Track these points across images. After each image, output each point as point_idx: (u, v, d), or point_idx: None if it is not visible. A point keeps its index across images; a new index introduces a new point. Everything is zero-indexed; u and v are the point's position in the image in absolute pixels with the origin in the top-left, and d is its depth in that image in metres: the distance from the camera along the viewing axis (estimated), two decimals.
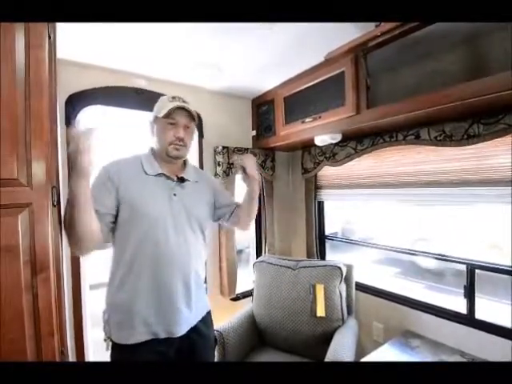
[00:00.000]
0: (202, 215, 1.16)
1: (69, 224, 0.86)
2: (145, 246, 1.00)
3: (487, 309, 1.54)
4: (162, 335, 1.01)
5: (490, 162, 1.37)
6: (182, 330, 1.05)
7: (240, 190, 2.17)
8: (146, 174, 1.06)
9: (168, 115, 1.04)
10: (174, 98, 1.07)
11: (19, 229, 0.80)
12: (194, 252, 1.10)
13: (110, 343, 1.02)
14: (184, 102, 1.08)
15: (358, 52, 1.42)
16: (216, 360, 1.61)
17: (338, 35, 1.31)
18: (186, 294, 1.06)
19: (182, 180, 1.11)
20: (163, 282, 1.01)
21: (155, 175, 1.07)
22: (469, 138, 1.37)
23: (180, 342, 1.05)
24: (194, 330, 1.10)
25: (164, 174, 1.08)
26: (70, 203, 0.85)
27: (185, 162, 1.19)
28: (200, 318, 1.14)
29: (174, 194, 1.08)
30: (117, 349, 1.01)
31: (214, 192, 1.26)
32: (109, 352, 1.03)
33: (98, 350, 1.75)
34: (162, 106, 1.06)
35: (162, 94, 1.78)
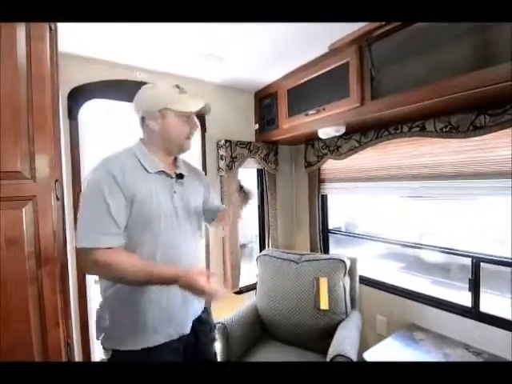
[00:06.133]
0: (198, 212, 1.13)
1: (119, 279, 0.89)
2: (154, 248, 0.95)
3: (493, 303, 1.53)
4: (175, 336, 1.01)
5: (496, 154, 1.35)
6: (189, 327, 1.06)
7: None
8: (147, 171, 0.97)
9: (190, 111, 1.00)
10: (180, 88, 1.02)
11: (24, 221, 0.81)
12: (196, 250, 1.11)
13: (111, 352, 0.95)
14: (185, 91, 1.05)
15: (363, 42, 1.39)
16: (220, 352, 1.63)
17: (343, 25, 1.29)
18: None
19: (180, 176, 1.06)
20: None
21: (156, 172, 0.99)
22: (475, 130, 1.34)
23: (187, 335, 1.06)
24: (197, 319, 1.11)
25: (164, 172, 1.01)
26: (136, 279, 0.87)
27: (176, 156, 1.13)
28: (203, 309, 1.17)
29: (174, 192, 1.03)
30: (125, 356, 0.94)
31: (204, 188, 1.21)
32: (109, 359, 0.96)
33: None
34: (176, 98, 1.00)
35: None
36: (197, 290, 0.84)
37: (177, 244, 1.01)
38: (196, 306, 1.10)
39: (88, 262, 0.85)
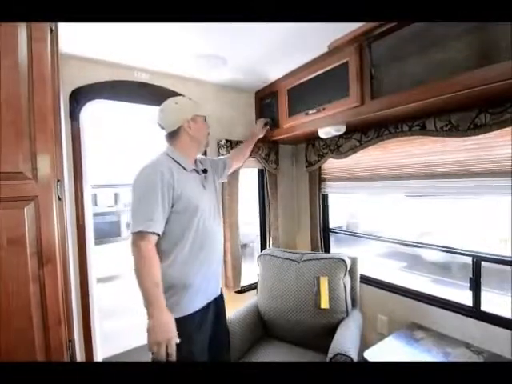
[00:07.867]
0: (218, 200, 1.40)
1: (137, 273, 1.07)
2: (199, 232, 1.18)
3: (494, 301, 1.53)
4: (212, 297, 1.28)
5: (497, 153, 1.35)
6: (220, 289, 1.36)
7: (243, 185, 2.17)
8: (185, 170, 1.21)
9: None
10: (191, 99, 1.32)
11: (25, 221, 0.82)
12: (222, 234, 1.37)
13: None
14: None
15: (363, 41, 1.39)
16: None
17: (342, 24, 1.28)
18: (221, 263, 1.35)
19: (205, 171, 1.33)
20: (213, 258, 1.25)
21: (190, 171, 1.24)
22: (475, 128, 1.34)
23: (215, 299, 1.31)
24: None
25: (195, 169, 1.27)
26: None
27: None
28: None
29: (204, 187, 1.28)
30: (180, 323, 1.09)
31: (213, 169, 1.44)
32: None
33: (105, 342, 1.79)
34: (197, 106, 1.30)
35: (165, 88, 1.80)
36: (154, 335, 1.00)
37: (212, 231, 1.24)
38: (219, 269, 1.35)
39: (135, 244, 1.04)
